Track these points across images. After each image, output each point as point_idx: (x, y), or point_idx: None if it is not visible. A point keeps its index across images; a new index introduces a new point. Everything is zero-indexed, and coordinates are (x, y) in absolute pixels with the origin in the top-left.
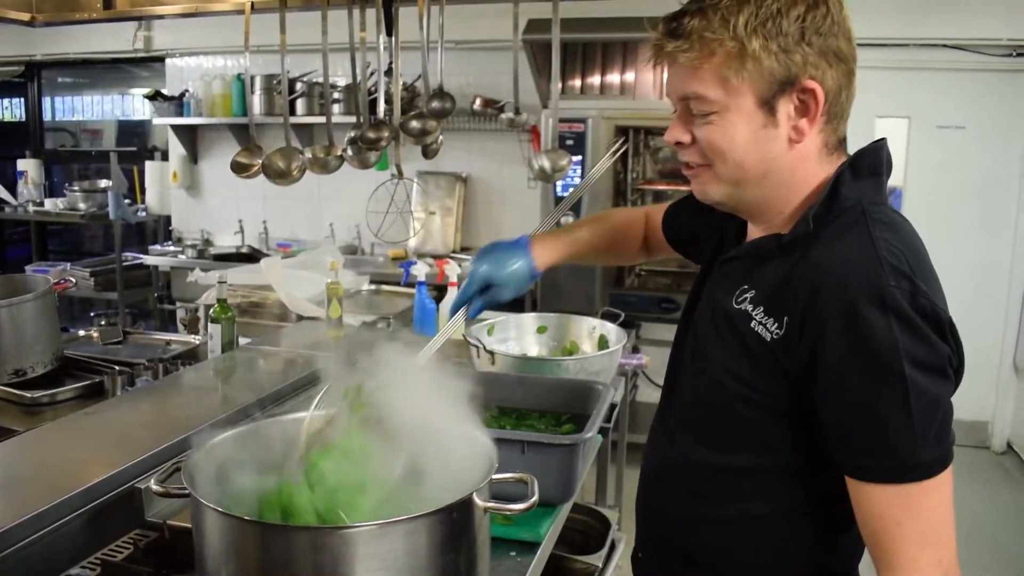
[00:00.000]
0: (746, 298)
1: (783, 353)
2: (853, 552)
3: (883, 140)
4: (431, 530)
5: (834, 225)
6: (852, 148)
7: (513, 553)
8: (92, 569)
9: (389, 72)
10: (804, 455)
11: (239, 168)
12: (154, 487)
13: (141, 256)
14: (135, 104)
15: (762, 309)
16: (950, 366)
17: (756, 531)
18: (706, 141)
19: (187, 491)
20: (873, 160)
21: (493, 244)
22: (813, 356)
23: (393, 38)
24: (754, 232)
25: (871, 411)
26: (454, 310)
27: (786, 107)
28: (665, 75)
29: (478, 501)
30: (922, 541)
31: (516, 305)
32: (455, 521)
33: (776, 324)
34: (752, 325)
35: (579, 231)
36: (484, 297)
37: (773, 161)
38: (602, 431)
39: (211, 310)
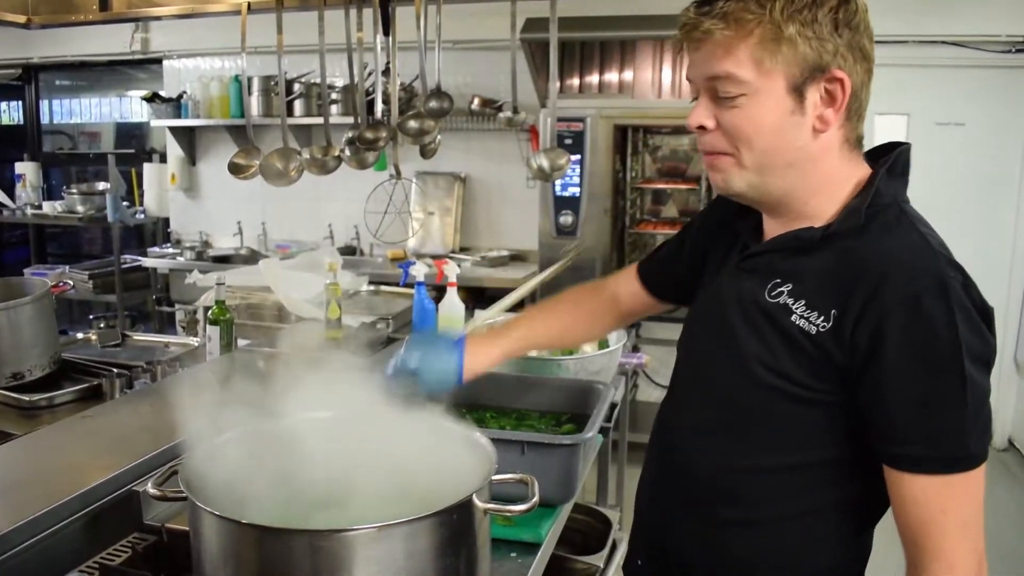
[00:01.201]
0: (782, 291)
1: (832, 345)
2: (867, 551)
3: (908, 143)
4: (431, 532)
5: (877, 220)
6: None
7: (514, 554)
8: (90, 573)
9: (387, 72)
10: (841, 449)
11: (236, 169)
12: (151, 491)
13: (140, 258)
14: (133, 106)
15: (804, 303)
16: (993, 358)
17: (782, 533)
18: (732, 125)
19: (184, 495)
20: (905, 161)
21: (428, 335)
22: (871, 347)
23: (390, 38)
24: (773, 227)
25: (929, 402)
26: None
27: (813, 95)
28: (684, 62)
29: (478, 502)
30: (963, 531)
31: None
32: (455, 523)
33: (822, 317)
34: (793, 319)
35: (521, 328)
36: (405, 379)
37: (799, 151)
38: (603, 431)
39: (209, 312)
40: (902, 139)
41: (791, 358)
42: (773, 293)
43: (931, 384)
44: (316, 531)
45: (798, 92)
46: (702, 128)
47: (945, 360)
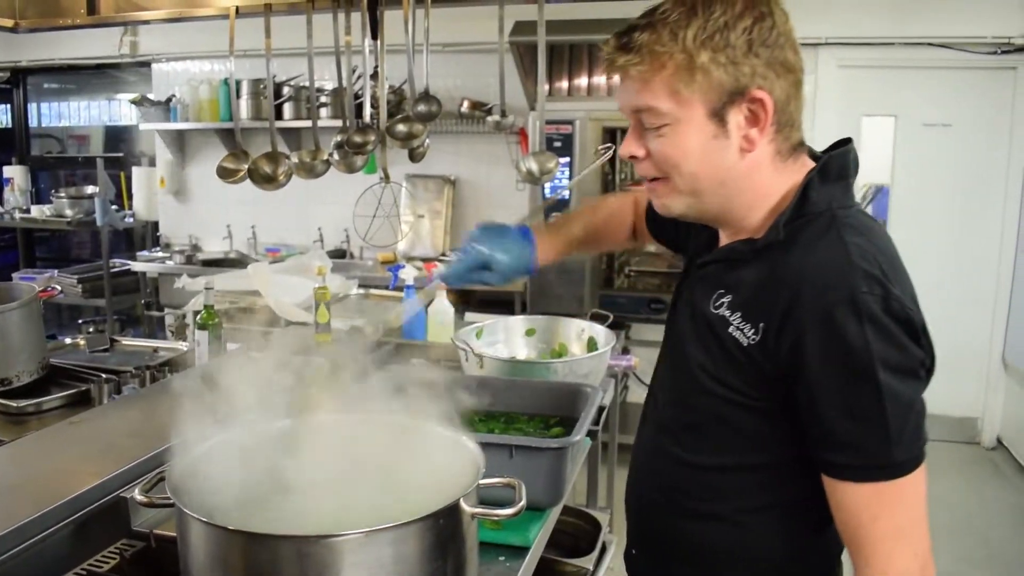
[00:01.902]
0: (723, 303)
1: (761, 357)
2: (834, 545)
3: (850, 142)
4: (418, 537)
5: (806, 231)
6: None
7: (502, 558)
8: None
9: (375, 76)
10: (789, 452)
11: (225, 174)
12: (138, 497)
13: (129, 262)
14: (122, 109)
15: (740, 315)
16: (923, 367)
17: (742, 527)
18: (660, 154)
19: (171, 501)
20: (841, 164)
21: (497, 226)
22: (794, 360)
23: (378, 41)
24: (723, 236)
25: (848, 413)
26: (446, 279)
27: (736, 117)
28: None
29: (465, 507)
30: (897, 535)
31: (505, 307)
32: (442, 527)
33: (753, 330)
34: (730, 330)
35: (572, 227)
36: (473, 275)
37: (728, 171)
38: (591, 433)
39: (198, 316)
40: (890, 140)
41: (728, 367)
42: (716, 304)
43: (850, 394)
44: (303, 536)
45: (719, 117)
46: (635, 157)
47: (859, 372)
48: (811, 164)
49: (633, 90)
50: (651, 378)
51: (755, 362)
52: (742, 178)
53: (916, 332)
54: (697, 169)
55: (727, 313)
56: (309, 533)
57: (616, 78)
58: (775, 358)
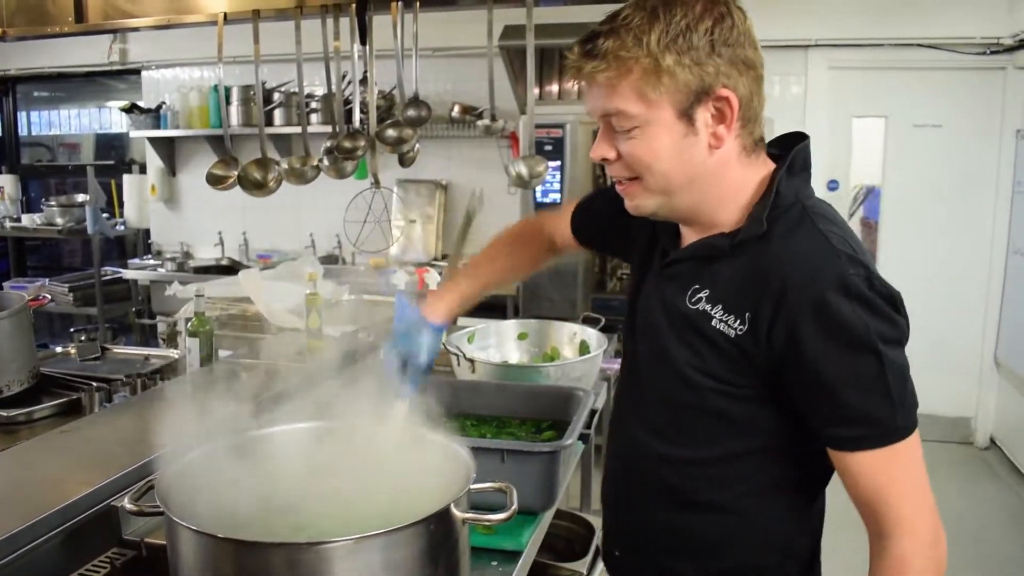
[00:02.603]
0: (701, 298)
1: (751, 346)
2: (818, 526)
3: (806, 136)
4: (409, 543)
5: (780, 222)
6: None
7: (495, 563)
8: None
9: (364, 81)
10: (778, 434)
11: (215, 180)
12: (128, 506)
13: (120, 270)
14: (112, 117)
15: (721, 307)
16: (905, 337)
17: (742, 512)
18: (631, 155)
19: (160, 509)
20: (804, 158)
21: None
22: (790, 346)
23: (367, 46)
24: (688, 234)
25: (855, 387)
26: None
27: (703, 116)
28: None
29: (456, 512)
30: (916, 490)
31: (497, 311)
32: (433, 533)
33: (739, 320)
34: (713, 324)
35: (472, 274)
36: (407, 374)
37: (697, 168)
38: (583, 437)
39: (189, 323)
40: (881, 141)
41: (716, 359)
42: (693, 299)
43: (854, 371)
44: (293, 544)
45: (687, 116)
46: (605, 159)
47: (861, 346)
48: (768, 159)
49: (601, 95)
50: (620, 383)
51: (745, 352)
52: (712, 175)
53: (897, 305)
54: (668, 168)
55: (707, 307)
56: (299, 540)
57: (583, 84)
58: (767, 346)
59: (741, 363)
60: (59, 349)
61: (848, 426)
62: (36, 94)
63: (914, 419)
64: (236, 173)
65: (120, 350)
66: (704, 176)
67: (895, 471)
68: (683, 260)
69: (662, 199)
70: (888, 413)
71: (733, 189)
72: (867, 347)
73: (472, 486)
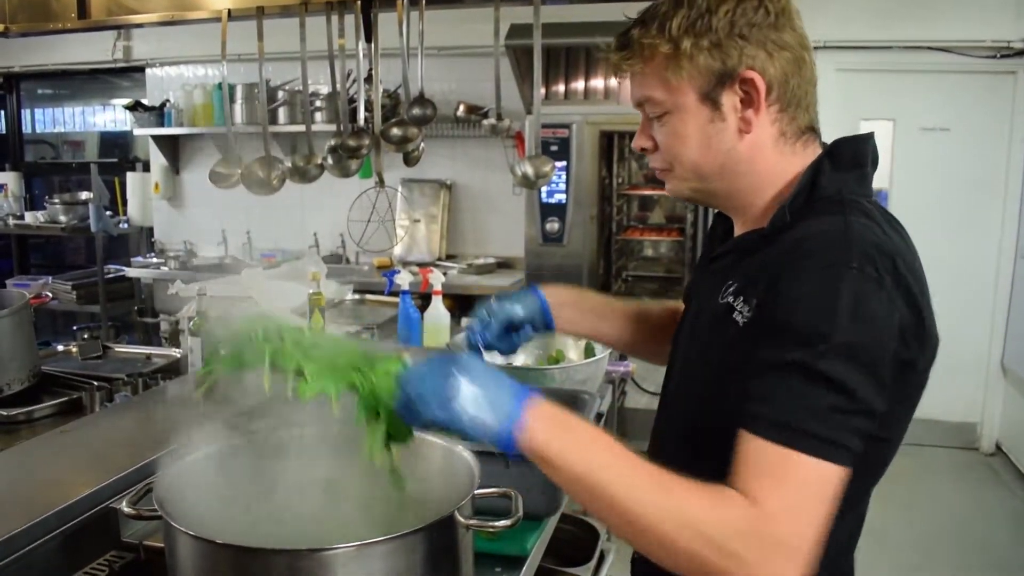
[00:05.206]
0: (729, 291)
1: (753, 335)
2: (854, 534)
3: (870, 133)
4: (412, 550)
5: (812, 214)
6: None
7: (499, 569)
8: None
9: (369, 79)
10: None
11: (218, 179)
12: (126, 509)
13: (123, 268)
14: (116, 115)
15: (742, 298)
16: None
17: None
18: (663, 143)
19: (158, 513)
20: (855, 151)
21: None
22: (767, 300)
23: (372, 45)
24: (737, 228)
25: (772, 370)
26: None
27: (731, 100)
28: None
29: (460, 518)
30: (800, 504)
31: None
32: (436, 540)
33: (747, 307)
34: (734, 315)
35: (600, 297)
36: (496, 331)
37: (727, 155)
38: None
39: (191, 322)
40: (889, 144)
41: (719, 351)
42: (724, 295)
43: (779, 352)
44: (294, 550)
45: (712, 100)
46: (645, 150)
47: (809, 330)
48: (817, 148)
49: (634, 85)
50: (660, 396)
51: (753, 343)
52: (743, 161)
53: (917, 300)
54: (697, 155)
55: (731, 299)
56: (299, 546)
57: (615, 80)
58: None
59: (749, 355)
60: (60, 347)
61: (753, 401)
62: (40, 91)
63: (839, 447)
64: (240, 171)
65: (122, 349)
66: (735, 163)
67: (783, 477)
68: (724, 255)
69: (696, 184)
70: (802, 407)
71: (767, 177)
72: (815, 335)
73: (476, 491)
